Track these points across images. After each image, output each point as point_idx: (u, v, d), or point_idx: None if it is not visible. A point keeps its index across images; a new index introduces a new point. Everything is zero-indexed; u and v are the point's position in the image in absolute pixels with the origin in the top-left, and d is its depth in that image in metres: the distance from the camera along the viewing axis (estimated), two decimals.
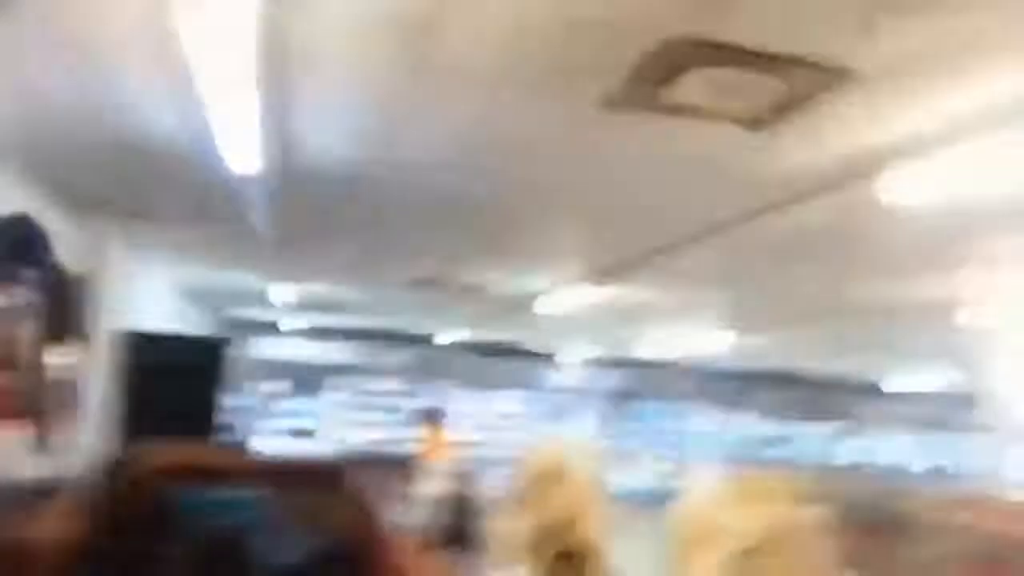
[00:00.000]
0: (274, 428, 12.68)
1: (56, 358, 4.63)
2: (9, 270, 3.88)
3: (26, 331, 4.16)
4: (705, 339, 9.80)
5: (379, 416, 13.34)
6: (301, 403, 13.19)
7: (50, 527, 1.18)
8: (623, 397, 14.04)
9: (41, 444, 4.41)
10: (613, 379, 13.93)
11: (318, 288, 9.18)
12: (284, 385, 13.09)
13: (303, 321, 12.51)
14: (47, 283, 4.35)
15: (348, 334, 13.35)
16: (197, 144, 3.63)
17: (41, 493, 4.00)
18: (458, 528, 2.76)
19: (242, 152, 3.59)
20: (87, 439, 5.19)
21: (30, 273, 4.13)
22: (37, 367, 4.36)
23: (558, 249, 6.15)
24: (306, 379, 13.15)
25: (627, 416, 13.95)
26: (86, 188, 5.09)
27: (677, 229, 5.05)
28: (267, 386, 12.80)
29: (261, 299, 9.77)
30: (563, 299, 7.14)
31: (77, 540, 1.12)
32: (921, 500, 5.62)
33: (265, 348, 12.77)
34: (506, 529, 1.85)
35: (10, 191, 4.28)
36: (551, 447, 1.98)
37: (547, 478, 1.81)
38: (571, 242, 5.99)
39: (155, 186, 4.94)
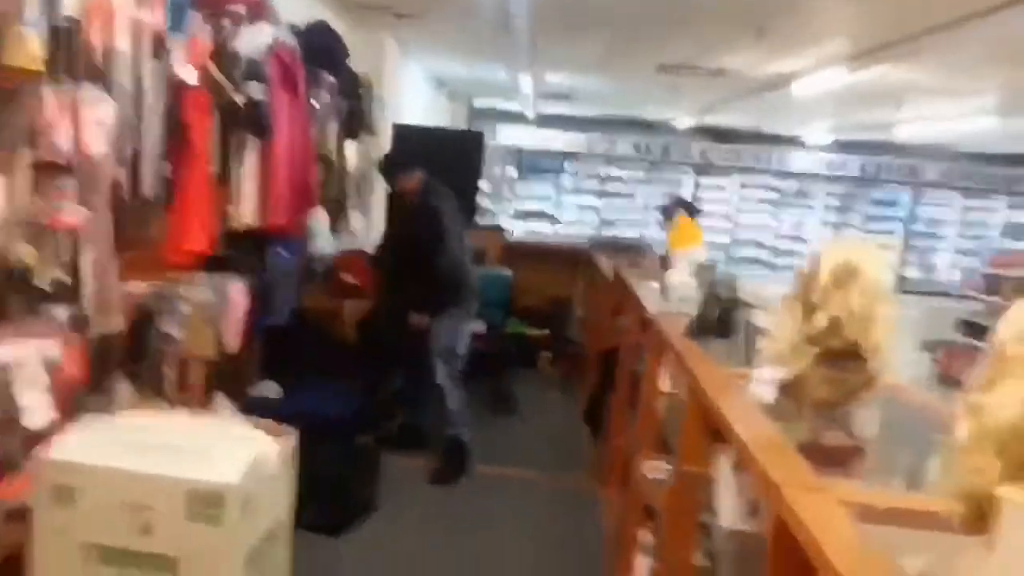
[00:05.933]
0: (515, 211, 13.43)
1: (350, 153, 5.18)
2: (314, 74, 4.30)
3: (331, 130, 4.69)
4: (967, 122, 9.08)
5: (615, 202, 13.67)
6: (539, 188, 13.75)
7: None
8: (866, 181, 13.47)
9: (337, 226, 5.05)
10: (857, 163, 13.31)
11: (563, 78, 9.31)
12: (523, 171, 13.64)
13: (545, 110, 12.78)
14: (344, 85, 4.80)
15: (587, 123, 13.50)
16: None
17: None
18: (713, 319, 2.81)
19: None
20: (370, 222, 5.87)
21: (331, 76, 4.57)
22: (341, 162, 4.94)
23: (821, 29, 5.87)
24: (544, 166, 13.61)
25: (868, 200, 13.52)
26: None
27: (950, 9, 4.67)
28: (508, 171, 13.42)
29: (508, 90, 10.07)
30: (817, 80, 6.83)
31: None
32: None
33: (507, 136, 13.26)
34: (784, 325, 1.83)
35: (301, 1, 4.72)
36: (849, 244, 2.01)
37: (844, 275, 1.74)
38: (835, 22, 5.69)
39: None
